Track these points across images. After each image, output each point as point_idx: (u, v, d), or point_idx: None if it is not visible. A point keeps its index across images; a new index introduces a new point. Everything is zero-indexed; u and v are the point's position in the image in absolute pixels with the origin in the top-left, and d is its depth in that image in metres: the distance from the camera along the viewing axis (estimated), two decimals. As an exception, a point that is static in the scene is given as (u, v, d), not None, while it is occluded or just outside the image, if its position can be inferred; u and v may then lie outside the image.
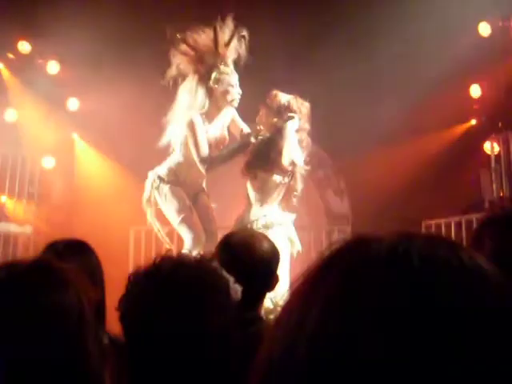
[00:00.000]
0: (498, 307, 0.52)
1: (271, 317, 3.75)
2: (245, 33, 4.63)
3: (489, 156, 7.19)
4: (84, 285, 1.29)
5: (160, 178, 4.74)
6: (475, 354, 0.50)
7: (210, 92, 4.59)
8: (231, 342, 1.38)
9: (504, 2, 6.72)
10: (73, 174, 8.21)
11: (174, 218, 4.66)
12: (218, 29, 4.58)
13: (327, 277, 0.57)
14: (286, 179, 4.55)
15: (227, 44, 4.61)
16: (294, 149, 4.43)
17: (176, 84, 4.70)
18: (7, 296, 1.17)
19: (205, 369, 1.34)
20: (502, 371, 0.50)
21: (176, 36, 4.65)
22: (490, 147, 7.20)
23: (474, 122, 7.64)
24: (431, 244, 0.57)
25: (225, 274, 1.45)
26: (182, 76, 4.70)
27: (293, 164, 4.46)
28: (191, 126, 4.51)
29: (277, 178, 4.49)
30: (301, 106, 4.59)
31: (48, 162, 8.10)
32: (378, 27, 6.61)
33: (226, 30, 4.61)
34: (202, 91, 4.59)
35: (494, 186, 6.99)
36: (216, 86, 4.58)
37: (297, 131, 4.56)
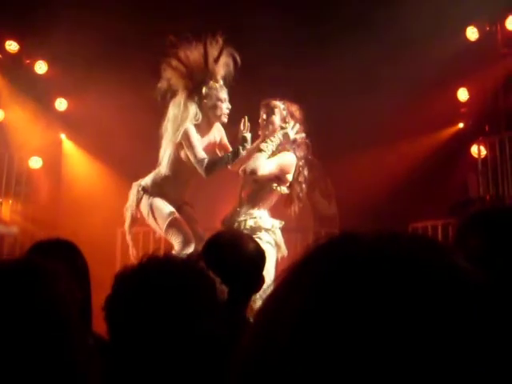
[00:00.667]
0: (472, 307, 0.53)
1: None
2: (233, 51, 4.70)
3: (476, 159, 7.23)
4: (70, 285, 1.28)
5: (144, 189, 4.77)
6: (455, 354, 0.50)
7: (200, 106, 4.65)
8: (217, 343, 1.38)
9: (491, 7, 6.76)
10: (60, 174, 8.18)
11: (162, 223, 4.66)
12: (208, 44, 4.65)
13: (302, 278, 0.57)
14: (284, 189, 4.56)
15: (216, 60, 4.67)
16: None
17: (165, 98, 4.74)
18: None
19: (191, 369, 1.34)
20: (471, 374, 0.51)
21: (169, 51, 4.71)
22: (477, 151, 7.25)
23: (461, 125, 7.70)
24: (413, 244, 0.57)
25: (211, 274, 1.46)
26: (172, 91, 4.74)
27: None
28: (186, 135, 4.54)
29: (275, 185, 4.51)
30: (296, 111, 4.63)
31: (35, 162, 8.06)
32: (366, 30, 6.63)
33: (216, 46, 4.68)
34: (192, 105, 4.64)
35: (481, 189, 7.04)
36: (205, 100, 4.64)
37: (297, 140, 4.59)
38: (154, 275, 1.39)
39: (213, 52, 4.67)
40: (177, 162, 4.69)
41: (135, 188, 4.83)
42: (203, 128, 4.69)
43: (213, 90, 4.64)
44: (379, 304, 0.52)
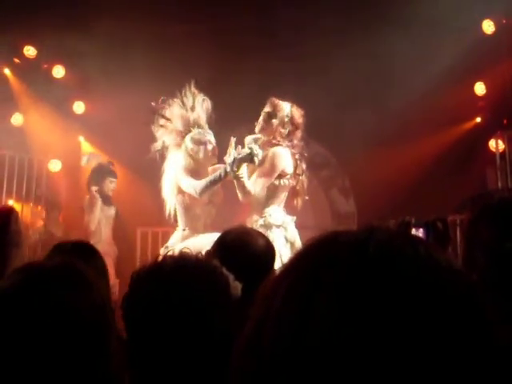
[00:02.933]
0: (447, 296, 0.56)
1: None
2: (205, 97, 5.01)
3: (494, 153, 7.17)
4: (103, 286, 1.28)
5: (167, 247, 4.87)
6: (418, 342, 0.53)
7: (189, 154, 4.88)
8: (232, 340, 1.40)
9: (507, 0, 6.71)
10: (79, 176, 8.26)
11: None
12: (183, 95, 4.97)
13: (291, 272, 0.61)
14: (291, 182, 4.59)
15: (192, 108, 4.97)
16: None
17: (163, 156, 5.03)
18: (34, 297, 1.15)
19: (206, 367, 1.36)
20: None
21: (157, 112, 5.04)
22: (495, 145, 7.19)
23: (478, 119, 7.63)
24: (389, 236, 0.60)
25: (225, 271, 1.48)
26: (167, 147, 5.02)
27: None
28: (177, 171, 4.85)
29: (280, 181, 4.53)
30: (299, 118, 4.64)
31: (55, 165, 8.15)
32: (382, 25, 6.61)
33: (189, 95, 4.98)
34: (182, 156, 4.90)
35: (500, 184, 6.98)
36: (191, 147, 4.87)
37: (294, 142, 4.64)
38: (168, 273, 1.41)
39: (189, 102, 4.98)
40: (187, 208, 4.90)
41: (162, 252, 4.93)
42: (201, 172, 4.89)
43: (195, 137, 4.89)
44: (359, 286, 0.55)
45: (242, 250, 2.12)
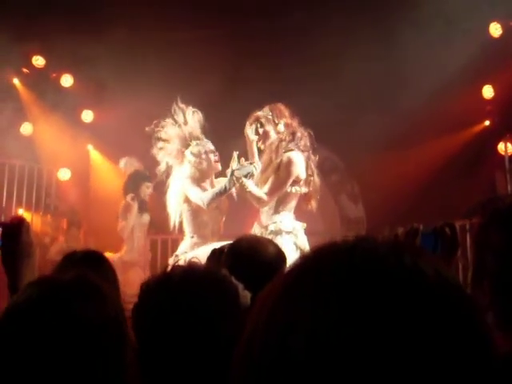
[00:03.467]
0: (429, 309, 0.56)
1: None
2: (194, 109, 5.07)
3: (503, 157, 7.15)
4: (117, 298, 1.28)
5: (177, 256, 4.93)
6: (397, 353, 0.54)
7: (193, 166, 4.95)
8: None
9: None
10: (88, 184, 8.29)
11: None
12: (173, 112, 5.04)
13: (278, 284, 0.63)
14: (303, 189, 4.59)
15: (185, 122, 5.04)
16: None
17: (169, 176, 5.11)
18: (50, 312, 1.15)
19: (215, 376, 1.36)
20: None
21: (153, 136, 5.09)
22: (504, 148, 7.16)
23: (487, 123, 7.61)
24: (375, 245, 0.62)
25: (234, 280, 1.48)
26: (171, 167, 5.10)
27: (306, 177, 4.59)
28: (185, 183, 4.90)
29: (292, 188, 4.54)
30: (282, 112, 4.67)
31: (64, 174, 8.20)
32: (389, 28, 6.61)
33: (178, 111, 5.05)
34: (187, 166, 4.96)
35: (509, 187, 6.95)
36: (194, 160, 4.94)
37: (301, 143, 4.63)
38: (177, 284, 1.41)
39: (180, 118, 5.04)
40: (195, 215, 4.94)
41: (171, 261, 4.96)
42: (206, 181, 4.97)
43: (194, 150, 4.95)
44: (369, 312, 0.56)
45: (253, 258, 2.12)
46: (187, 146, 5.01)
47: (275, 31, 7.57)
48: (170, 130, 5.07)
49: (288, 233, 4.47)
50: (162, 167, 5.09)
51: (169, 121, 5.08)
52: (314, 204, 4.72)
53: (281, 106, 4.70)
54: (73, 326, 1.13)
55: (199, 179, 4.93)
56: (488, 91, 7.46)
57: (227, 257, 2.16)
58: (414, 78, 6.70)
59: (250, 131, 4.65)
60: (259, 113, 4.68)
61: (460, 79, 6.85)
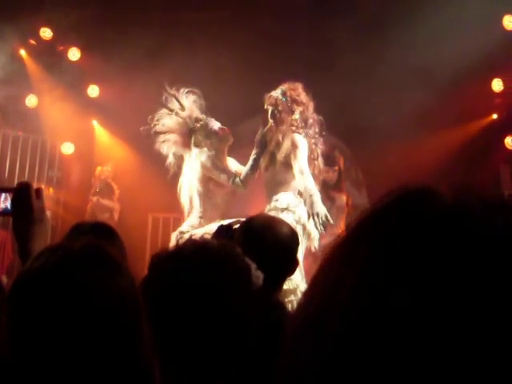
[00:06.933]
0: None
1: (292, 297, 3.77)
2: (188, 89, 4.98)
3: (510, 151, 7.12)
4: (130, 268, 1.24)
5: (182, 232, 4.91)
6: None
7: (207, 146, 4.91)
8: (250, 327, 1.38)
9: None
10: (92, 160, 8.26)
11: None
12: (165, 102, 4.98)
13: (367, 239, 0.55)
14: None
15: (182, 108, 4.96)
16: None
17: (180, 167, 5.06)
18: (64, 281, 1.10)
19: (223, 352, 1.35)
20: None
21: (151, 133, 5.03)
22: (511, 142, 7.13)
23: (495, 116, 7.57)
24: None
25: (247, 259, 1.45)
26: (179, 157, 5.05)
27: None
28: (205, 167, 4.84)
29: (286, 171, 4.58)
30: (298, 95, 4.64)
31: (67, 148, 8.16)
32: (400, 18, 6.55)
33: (171, 99, 4.98)
34: (199, 151, 4.91)
35: (515, 182, 6.94)
36: (205, 140, 4.92)
37: (310, 131, 4.65)
38: (190, 258, 1.39)
39: (175, 105, 4.98)
40: (210, 196, 4.91)
41: (175, 235, 4.93)
42: (222, 158, 4.94)
43: (201, 131, 4.92)
44: (454, 267, 0.49)
45: (268, 236, 2.08)
46: (192, 130, 4.96)
47: (289, 18, 7.50)
48: (167, 121, 5.00)
49: (283, 210, 4.48)
50: (171, 159, 5.02)
51: (164, 112, 5.00)
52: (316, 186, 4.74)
53: (299, 89, 4.67)
54: (89, 295, 1.10)
55: (217, 158, 4.89)
56: (497, 84, 7.41)
57: (240, 234, 2.12)
58: (422, 70, 6.65)
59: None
60: (277, 95, 4.65)
61: (469, 72, 6.80)
